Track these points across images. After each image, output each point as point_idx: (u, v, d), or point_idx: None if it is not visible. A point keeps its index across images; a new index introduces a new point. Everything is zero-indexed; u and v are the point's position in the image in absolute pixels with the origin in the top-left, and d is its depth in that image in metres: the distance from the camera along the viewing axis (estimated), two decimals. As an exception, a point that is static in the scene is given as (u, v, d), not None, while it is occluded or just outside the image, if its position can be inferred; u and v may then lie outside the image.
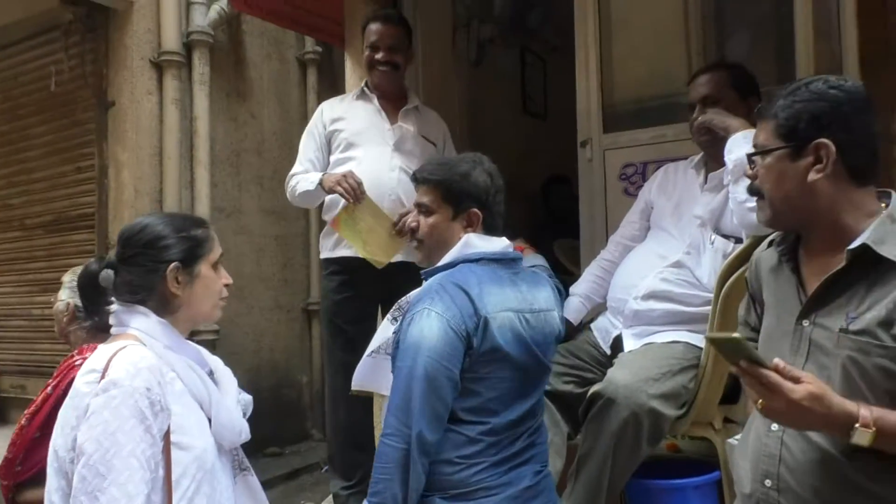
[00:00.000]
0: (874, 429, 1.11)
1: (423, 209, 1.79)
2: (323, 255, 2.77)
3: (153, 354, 1.38)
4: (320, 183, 2.56)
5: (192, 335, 4.03)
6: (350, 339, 2.68)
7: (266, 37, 4.85)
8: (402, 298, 1.83)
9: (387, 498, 1.50)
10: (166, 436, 1.32)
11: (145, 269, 1.44)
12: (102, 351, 1.38)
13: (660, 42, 2.93)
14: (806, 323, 1.30)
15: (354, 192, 2.47)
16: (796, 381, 1.14)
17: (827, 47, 2.39)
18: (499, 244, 1.75)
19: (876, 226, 1.24)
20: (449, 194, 1.75)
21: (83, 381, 1.34)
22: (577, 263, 3.23)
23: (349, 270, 2.66)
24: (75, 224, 4.28)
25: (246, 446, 4.00)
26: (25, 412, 1.76)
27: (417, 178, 1.83)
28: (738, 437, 1.67)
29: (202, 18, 4.30)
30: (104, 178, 4.14)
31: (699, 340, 2.03)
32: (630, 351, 2.08)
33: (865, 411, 1.13)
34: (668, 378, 1.93)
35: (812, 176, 1.27)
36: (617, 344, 2.20)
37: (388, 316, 1.85)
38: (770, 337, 1.39)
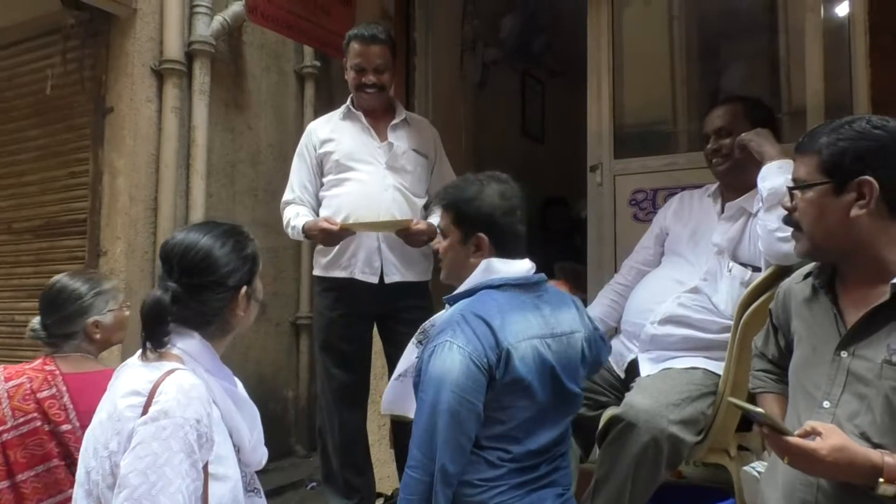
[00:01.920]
0: None
1: (441, 231, 1.80)
2: (316, 273, 2.73)
3: (200, 381, 1.31)
4: (304, 234, 2.57)
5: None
6: (344, 357, 2.65)
7: (266, 49, 4.85)
8: (427, 322, 1.83)
9: None
10: (205, 467, 1.28)
11: (215, 298, 1.38)
12: (144, 372, 1.32)
13: (669, 73, 2.99)
14: (845, 354, 1.32)
15: (333, 238, 2.49)
16: (815, 433, 1.20)
17: (837, 86, 2.47)
18: (521, 267, 1.72)
19: None
20: (458, 218, 1.74)
21: (125, 403, 1.28)
22: (578, 285, 3.26)
23: (342, 288, 2.62)
24: (66, 230, 4.19)
25: None
26: None
27: (435, 202, 1.84)
28: (753, 464, 1.69)
29: (205, 28, 4.28)
30: (98, 184, 4.07)
31: (717, 367, 2.06)
32: (648, 375, 2.10)
33: (892, 461, 1.17)
34: (687, 404, 1.94)
35: (855, 212, 1.30)
36: (632, 368, 2.22)
37: (413, 339, 1.85)
38: (805, 366, 1.42)
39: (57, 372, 1.82)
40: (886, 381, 1.25)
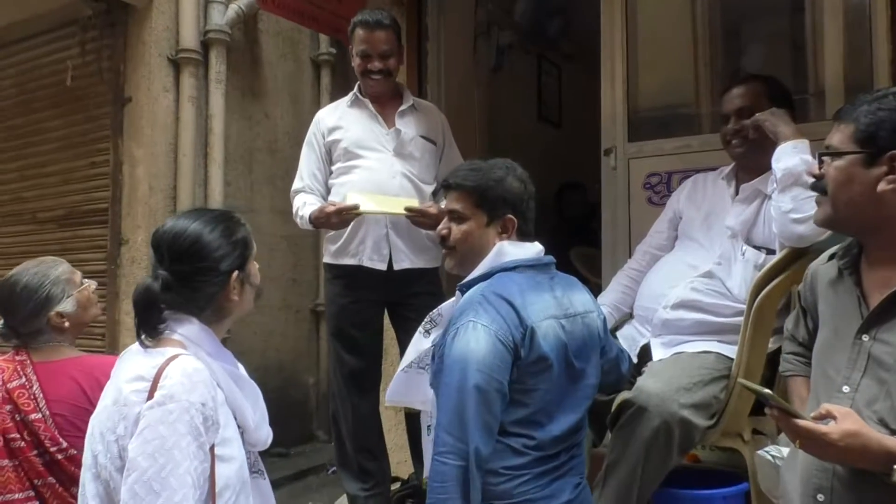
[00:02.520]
0: None
1: (454, 216, 1.77)
2: (326, 260, 2.75)
3: (203, 366, 1.33)
4: (312, 222, 2.56)
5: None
6: (355, 343, 2.67)
7: (282, 37, 4.86)
8: (434, 311, 1.81)
9: None
10: (211, 449, 1.30)
11: (207, 284, 1.39)
12: (147, 357, 1.34)
13: (685, 54, 2.94)
14: (866, 338, 1.30)
15: (341, 219, 2.47)
16: (830, 416, 1.18)
17: (858, 63, 2.41)
18: (532, 249, 1.75)
19: None
20: (483, 200, 1.73)
21: (130, 388, 1.30)
22: (593, 271, 3.24)
23: (351, 276, 2.64)
24: (88, 219, 4.26)
25: None
26: None
27: (450, 185, 1.79)
28: (768, 448, 1.68)
29: (220, 17, 4.29)
30: (118, 173, 4.12)
31: (730, 351, 2.04)
32: (660, 360, 2.09)
33: None
34: (699, 388, 1.93)
35: (882, 186, 1.27)
36: (644, 352, 2.20)
37: (420, 329, 1.83)
38: (827, 350, 1.39)
39: (28, 362, 1.83)
40: None
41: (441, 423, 1.53)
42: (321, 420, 5.11)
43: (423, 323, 1.80)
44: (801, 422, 1.21)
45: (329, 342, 2.81)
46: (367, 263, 2.60)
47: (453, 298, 1.76)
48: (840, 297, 1.38)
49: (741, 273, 2.06)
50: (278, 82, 4.87)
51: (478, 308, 1.57)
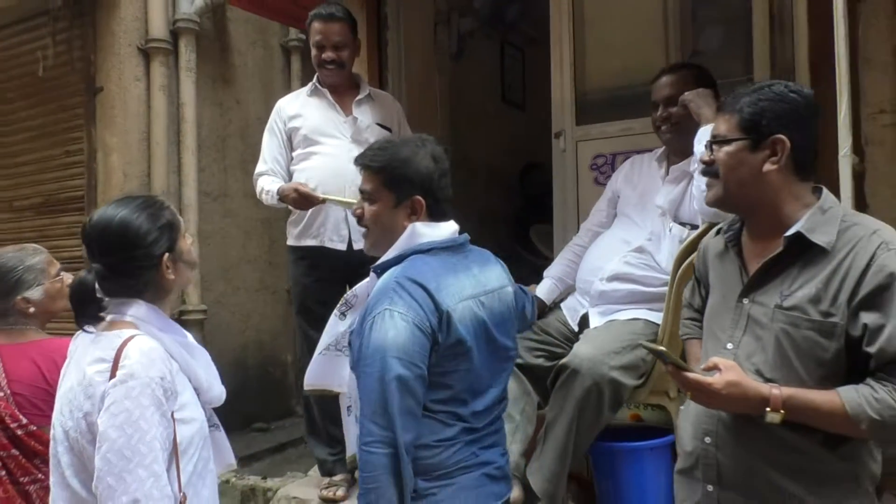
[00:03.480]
0: (782, 411, 1.32)
1: (365, 196, 1.73)
2: (289, 243, 2.91)
3: (157, 343, 1.46)
4: (280, 197, 2.70)
5: (181, 314, 4.16)
6: (319, 319, 2.77)
7: (251, 24, 4.93)
8: (349, 292, 1.83)
9: None
10: (172, 415, 1.44)
11: (140, 268, 1.48)
12: (105, 339, 1.46)
13: (632, 37, 3.09)
14: (746, 301, 1.49)
15: (306, 201, 2.61)
16: (716, 368, 1.36)
17: (782, 42, 2.57)
18: (447, 230, 1.71)
19: (809, 216, 1.43)
20: (390, 181, 1.68)
21: (93, 370, 1.43)
22: (550, 248, 3.42)
23: (314, 256, 2.81)
24: (65, 206, 4.37)
25: (235, 421, 4.22)
26: None
27: (359, 164, 1.73)
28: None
29: (189, 6, 4.37)
30: (93, 161, 4.23)
31: (658, 318, 2.23)
32: (595, 327, 2.28)
33: (777, 393, 1.33)
34: (627, 351, 2.12)
35: (767, 167, 1.44)
36: (584, 322, 2.39)
37: (336, 311, 1.86)
38: (715, 313, 1.58)
39: None
40: (777, 324, 1.41)
41: (365, 413, 1.53)
42: (299, 396, 5.25)
43: (339, 305, 1.82)
44: (690, 374, 1.39)
45: (295, 319, 2.98)
46: (328, 244, 2.77)
47: (367, 279, 1.76)
48: (725, 267, 1.57)
49: (669, 248, 2.25)
50: (249, 69, 4.96)
51: (393, 295, 1.55)
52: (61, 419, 1.47)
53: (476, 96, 4.54)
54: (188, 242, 1.62)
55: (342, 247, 2.76)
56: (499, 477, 1.70)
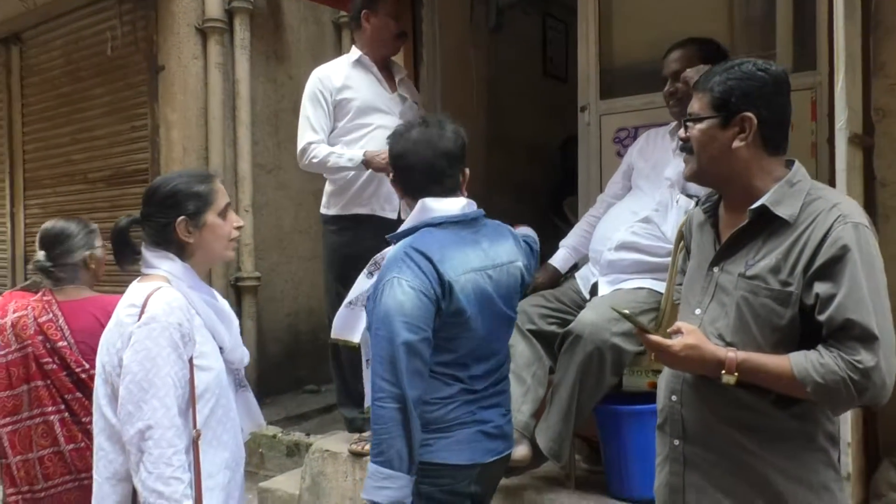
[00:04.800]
0: (737, 373, 1.41)
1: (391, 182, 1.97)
2: (330, 212, 3.02)
3: (181, 295, 1.69)
4: (364, 162, 2.77)
5: (237, 280, 4.42)
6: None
7: (303, 1, 5.13)
8: (378, 254, 1.96)
9: (392, 456, 1.62)
10: (190, 360, 1.66)
11: (160, 224, 1.72)
12: (139, 288, 1.70)
13: (660, 9, 3.09)
14: (716, 269, 1.57)
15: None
16: (679, 332, 1.46)
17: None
18: (456, 205, 1.82)
19: (776, 189, 1.48)
20: (397, 169, 1.88)
21: (125, 312, 1.67)
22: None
23: (362, 224, 2.92)
24: (132, 178, 4.72)
25: (288, 383, 4.58)
26: None
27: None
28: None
29: (243, -14, 4.60)
30: (156, 136, 4.55)
31: (661, 287, 2.30)
32: (601, 295, 2.37)
33: (732, 356, 1.41)
34: (629, 318, 2.21)
35: (736, 143, 1.50)
36: (594, 290, 2.48)
37: (365, 270, 2.00)
38: (690, 280, 1.67)
39: (53, 301, 2.24)
40: (739, 292, 1.49)
41: (377, 371, 1.67)
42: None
43: (368, 265, 1.97)
44: (651, 336, 1.50)
45: (330, 285, 3.11)
46: (378, 212, 2.92)
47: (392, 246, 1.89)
48: (703, 237, 1.64)
49: (675, 218, 2.31)
50: (301, 45, 5.17)
51: (401, 265, 1.70)
52: (101, 354, 1.71)
53: (516, 70, 4.60)
54: (228, 220, 1.80)
55: (393, 215, 2.91)
56: (496, 435, 1.82)
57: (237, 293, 4.61)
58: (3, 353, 2.21)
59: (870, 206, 2.28)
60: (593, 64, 3.09)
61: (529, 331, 2.46)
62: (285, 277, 5.10)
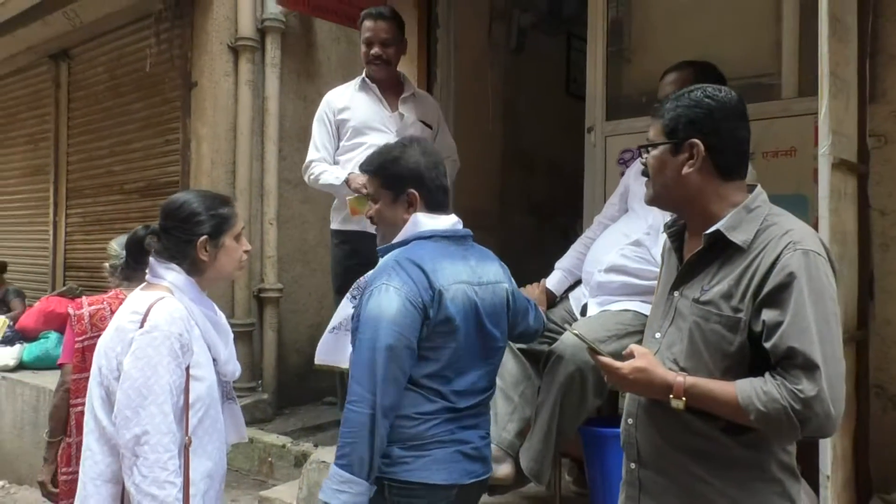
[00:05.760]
0: (684, 398, 1.40)
1: (370, 197, 1.94)
2: (334, 227, 3.16)
3: (183, 307, 1.76)
4: (346, 182, 2.88)
5: (260, 292, 4.52)
6: None
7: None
8: (361, 279, 1.99)
9: (353, 460, 1.62)
10: (187, 370, 1.73)
11: (180, 240, 1.80)
12: (142, 297, 1.77)
13: (668, 35, 3.10)
14: (676, 294, 1.56)
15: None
16: (631, 355, 1.47)
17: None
18: (447, 221, 1.86)
19: (732, 214, 1.48)
20: (385, 180, 1.86)
21: (127, 319, 1.74)
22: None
23: (357, 241, 3.03)
24: (164, 190, 4.90)
25: (308, 395, 4.72)
26: None
27: (362, 171, 1.97)
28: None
29: (275, 6, 4.74)
30: (187, 150, 4.71)
31: (647, 309, 2.28)
32: (588, 316, 2.37)
33: (680, 381, 1.41)
34: (613, 340, 2.20)
35: (686, 170, 1.51)
36: (585, 311, 2.48)
37: (348, 295, 2.04)
38: (655, 303, 1.67)
39: (125, 298, 2.34)
40: (692, 317, 1.48)
41: (353, 375, 1.67)
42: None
43: (351, 289, 2.00)
44: (602, 358, 1.50)
45: (335, 298, 3.21)
46: (369, 229, 2.99)
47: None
48: (669, 261, 1.64)
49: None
50: (332, 63, 5.30)
51: (391, 272, 1.71)
52: (98, 357, 1.79)
53: (537, 89, 4.62)
54: (240, 244, 1.89)
55: None
56: (474, 457, 1.82)
57: (259, 304, 4.72)
58: (81, 339, 2.34)
59: (864, 235, 2.23)
60: (600, 85, 3.11)
61: (520, 350, 2.47)
62: (308, 290, 5.20)
